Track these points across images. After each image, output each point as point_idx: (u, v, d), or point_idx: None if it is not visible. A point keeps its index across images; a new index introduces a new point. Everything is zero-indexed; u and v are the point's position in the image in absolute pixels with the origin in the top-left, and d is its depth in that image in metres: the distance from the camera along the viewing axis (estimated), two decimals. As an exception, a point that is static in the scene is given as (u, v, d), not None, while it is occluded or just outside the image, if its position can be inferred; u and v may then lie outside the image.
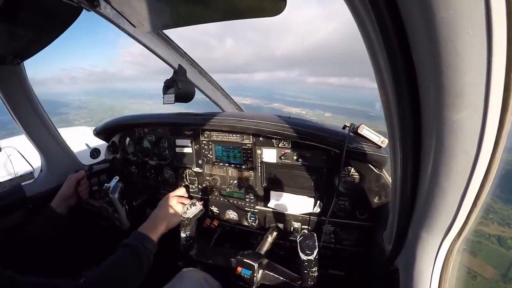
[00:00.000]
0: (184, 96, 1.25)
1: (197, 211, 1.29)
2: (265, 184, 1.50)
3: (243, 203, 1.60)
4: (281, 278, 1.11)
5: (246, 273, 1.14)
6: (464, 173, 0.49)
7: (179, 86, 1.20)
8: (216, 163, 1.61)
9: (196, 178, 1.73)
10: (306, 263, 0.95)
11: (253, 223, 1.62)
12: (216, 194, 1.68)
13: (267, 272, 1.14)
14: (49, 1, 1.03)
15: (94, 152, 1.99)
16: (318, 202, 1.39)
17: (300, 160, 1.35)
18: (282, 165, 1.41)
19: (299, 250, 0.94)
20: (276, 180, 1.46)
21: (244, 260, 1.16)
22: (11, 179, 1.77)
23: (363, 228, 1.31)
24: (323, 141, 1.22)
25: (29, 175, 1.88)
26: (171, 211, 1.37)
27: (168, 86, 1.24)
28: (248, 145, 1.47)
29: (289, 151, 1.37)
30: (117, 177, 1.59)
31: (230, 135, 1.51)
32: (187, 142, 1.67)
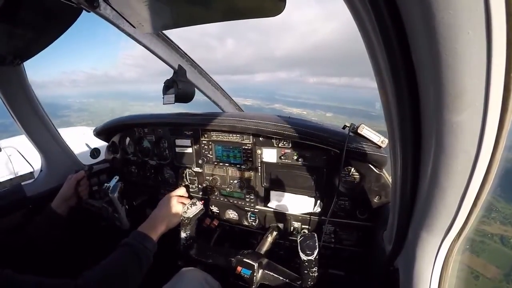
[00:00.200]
0: (184, 96, 1.25)
1: (197, 211, 1.29)
2: (265, 184, 1.50)
3: (243, 203, 1.60)
4: (281, 278, 1.11)
5: (246, 273, 1.14)
6: (464, 173, 0.49)
7: (179, 86, 1.20)
8: (216, 163, 1.61)
9: (196, 178, 1.73)
10: (306, 263, 0.95)
11: (253, 223, 1.62)
12: (216, 194, 1.68)
13: (267, 272, 1.14)
14: (49, 1, 1.03)
15: (94, 152, 1.99)
16: (318, 202, 1.40)
17: (300, 160, 1.35)
18: (282, 165, 1.41)
19: (299, 250, 0.94)
20: (276, 180, 1.46)
21: (244, 259, 1.16)
22: (11, 179, 1.77)
23: (363, 228, 1.31)
24: (323, 141, 1.22)
25: (29, 175, 1.89)
26: (171, 211, 1.37)
27: (168, 86, 1.24)
28: (248, 145, 1.47)
29: (289, 151, 1.37)
30: (117, 177, 1.58)
31: (230, 135, 1.51)
32: (187, 142, 1.67)
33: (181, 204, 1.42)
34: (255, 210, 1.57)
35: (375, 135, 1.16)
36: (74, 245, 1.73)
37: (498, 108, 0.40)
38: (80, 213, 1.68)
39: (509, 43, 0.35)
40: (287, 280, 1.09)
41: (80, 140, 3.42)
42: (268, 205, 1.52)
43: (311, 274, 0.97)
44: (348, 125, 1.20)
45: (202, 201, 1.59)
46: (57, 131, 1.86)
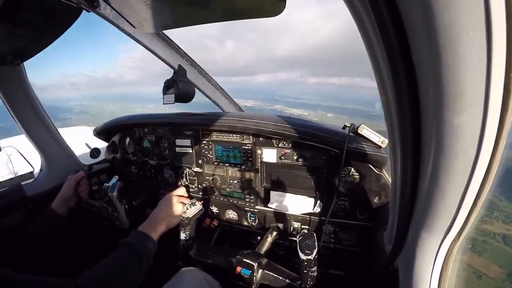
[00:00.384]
0: (184, 96, 1.25)
1: (196, 211, 1.29)
2: (265, 184, 1.50)
3: (243, 203, 1.60)
4: (281, 278, 1.11)
5: (246, 273, 1.14)
6: (464, 173, 0.49)
7: (179, 86, 1.21)
8: (216, 163, 1.61)
9: (196, 178, 1.73)
10: (305, 263, 0.95)
11: (253, 223, 1.62)
12: (216, 194, 1.68)
13: (266, 272, 1.14)
14: (49, 1, 1.03)
15: (94, 152, 1.99)
16: (318, 202, 1.39)
17: (300, 160, 1.35)
18: (282, 165, 1.41)
19: (298, 250, 0.94)
20: (276, 180, 1.46)
21: (244, 259, 1.16)
22: (11, 179, 1.77)
23: (363, 228, 1.31)
24: (323, 141, 1.23)
25: (29, 174, 1.88)
26: (171, 211, 1.37)
27: (168, 86, 1.24)
28: (248, 145, 1.47)
29: (289, 151, 1.37)
30: (116, 177, 1.59)
31: (230, 135, 1.51)
32: (187, 142, 1.67)
33: (181, 204, 1.42)
34: (255, 210, 1.57)
35: (375, 135, 1.16)
36: (74, 245, 1.73)
37: (498, 108, 0.40)
38: (80, 213, 1.68)
39: (509, 43, 0.35)
40: (287, 280, 1.09)
41: (80, 140, 3.42)
42: (268, 205, 1.52)
43: (310, 274, 0.97)
44: (348, 125, 1.20)
45: (202, 202, 1.60)
46: (57, 131, 1.86)
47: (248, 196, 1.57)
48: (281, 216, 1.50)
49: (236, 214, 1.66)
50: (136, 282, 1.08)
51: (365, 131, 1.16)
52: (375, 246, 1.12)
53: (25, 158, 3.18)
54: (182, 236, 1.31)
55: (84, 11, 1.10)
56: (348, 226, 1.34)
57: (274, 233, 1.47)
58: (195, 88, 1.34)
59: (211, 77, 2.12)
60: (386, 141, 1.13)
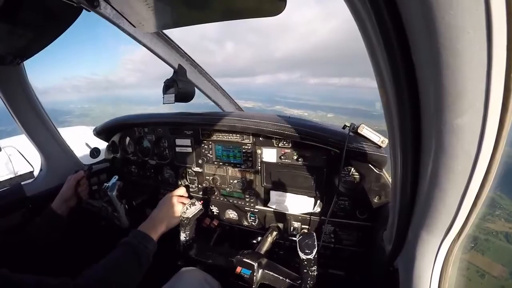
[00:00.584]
0: (184, 96, 1.25)
1: (196, 211, 1.29)
2: (265, 183, 1.50)
3: (243, 203, 1.60)
4: (281, 277, 1.11)
5: (246, 273, 1.14)
6: (464, 173, 0.49)
7: (179, 86, 1.20)
8: (216, 163, 1.61)
9: (196, 178, 1.73)
10: (305, 262, 0.95)
11: (253, 223, 1.62)
12: (216, 193, 1.68)
13: (266, 271, 1.14)
14: (49, 1, 1.03)
15: (94, 152, 1.98)
16: (318, 202, 1.39)
17: (300, 160, 1.35)
18: (282, 165, 1.41)
19: (298, 250, 0.94)
20: (276, 180, 1.46)
21: (244, 259, 1.16)
22: (10, 179, 1.77)
23: (363, 228, 1.31)
24: (323, 141, 1.22)
25: (29, 174, 1.88)
26: (171, 210, 1.37)
27: (168, 86, 1.24)
28: (248, 145, 1.47)
29: (289, 151, 1.37)
30: (116, 176, 1.59)
31: (230, 134, 1.51)
32: (187, 141, 1.67)
33: (181, 204, 1.42)
34: (255, 210, 1.57)
35: (375, 135, 1.16)
36: (74, 245, 1.73)
37: (498, 108, 0.40)
38: (80, 213, 1.68)
39: (510, 43, 0.35)
40: (287, 280, 1.09)
41: (80, 139, 3.42)
42: (268, 205, 1.52)
43: (310, 273, 0.97)
44: (348, 125, 1.20)
45: (201, 201, 1.60)
46: (57, 130, 1.86)
47: (248, 196, 1.57)
48: (281, 216, 1.50)
49: (236, 214, 1.66)
50: (135, 282, 1.08)
51: (365, 130, 1.16)
52: (375, 246, 1.12)
53: (25, 158, 3.18)
54: (182, 236, 1.31)
55: (84, 11, 1.10)
56: (348, 226, 1.34)
57: (274, 233, 1.47)
58: (195, 88, 1.34)
59: (211, 77, 2.12)
60: (386, 141, 1.13)
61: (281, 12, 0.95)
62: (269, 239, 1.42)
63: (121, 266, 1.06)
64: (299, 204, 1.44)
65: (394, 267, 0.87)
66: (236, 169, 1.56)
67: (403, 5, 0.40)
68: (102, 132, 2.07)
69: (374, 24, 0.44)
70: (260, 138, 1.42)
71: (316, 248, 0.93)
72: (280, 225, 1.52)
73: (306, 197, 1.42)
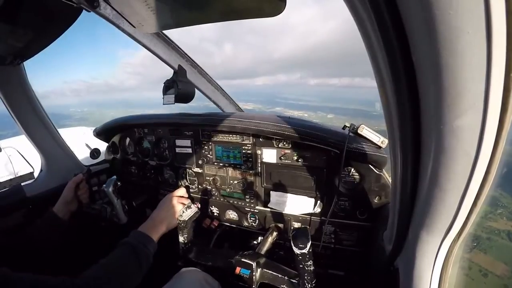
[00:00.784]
0: (184, 96, 1.25)
1: (192, 214, 1.30)
2: (265, 184, 1.50)
3: (243, 204, 1.60)
4: (280, 275, 1.11)
5: (245, 273, 1.14)
6: (464, 173, 0.49)
7: (179, 86, 1.21)
8: (216, 164, 1.61)
9: (196, 179, 1.73)
10: (300, 257, 0.95)
11: (253, 224, 1.62)
12: (216, 194, 1.68)
13: (265, 270, 1.14)
14: (49, 1, 1.03)
15: (94, 153, 1.99)
16: (318, 202, 1.39)
17: (300, 160, 1.35)
18: (282, 166, 1.41)
19: (292, 245, 0.94)
20: (276, 181, 1.46)
21: (242, 259, 1.17)
22: (11, 179, 1.77)
23: (363, 228, 1.31)
24: (323, 142, 1.23)
25: (29, 175, 1.88)
26: (171, 211, 1.37)
27: (168, 86, 1.24)
28: (248, 145, 1.47)
29: (289, 151, 1.37)
30: (115, 177, 1.60)
31: (230, 135, 1.51)
32: (187, 142, 1.67)
33: (181, 205, 1.42)
34: (255, 210, 1.57)
35: (375, 135, 1.16)
36: (75, 246, 1.73)
37: (498, 108, 0.40)
38: (81, 216, 1.68)
39: (509, 43, 0.35)
40: (285, 277, 1.10)
41: (80, 140, 3.42)
42: (268, 205, 1.52)
43: (306, 268, 0.97)
44: (348, 126, 1.20)
45: (197, 204, 1.59)
46: (57, 131, 1.86)
47: (248, 197, 1.57)
48: (281, 217, 1.50)
49: (236, 215, 1.66)
50: (135, 282, 1.08)
51: (365, 131, 1.16)
52: (375, 246, 1.12)
53: (25, 159, 3.18)
54: (181, 239, 1.32)
55: (84, 11, 1.11)
56: (348, 226, 1.34)
57: (275, 234, 1.47)
58: (195, 89, 1.34)
59: (211, 77, 2.12)
60: (386, 141, 1.13)
61: (281, 12, 0.95)
62: (269, 240, 1.42)
63: (121, 267, 1.06)
64: (299, 205, 1.44)
65: (394, 267, 0.87)
66: (236, 170, 1.56)
67: (403, 5, 0.40)
68: (102, 133, 2.07)
69: (374, 24, 0.44)
70: (260, 139, 1.43)
71: (310, 242, 0.93)
72: (280, 225, 1.52)
73: (306, 197, 1.42)
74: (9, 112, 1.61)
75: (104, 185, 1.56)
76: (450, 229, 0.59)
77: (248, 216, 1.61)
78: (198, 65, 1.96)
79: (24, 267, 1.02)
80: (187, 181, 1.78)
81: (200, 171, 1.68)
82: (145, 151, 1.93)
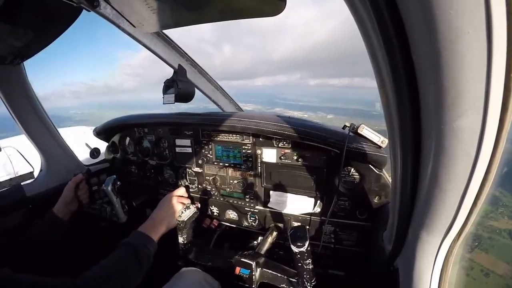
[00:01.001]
0: (184, 96, 1.25)
1: (191, 214, 1.30)
2: (265, 184, 1.50)
3: (243, 203, 1.60)
4: (279, 274, 1.12)
5: (245, 273, 1.14)
6: (464, 173, 0.49)
7: (179, 86, 1.21)
8: (216, 163, 1.61)
9: (196, 178, 1.73)
10: (298, 255, 0.95)
11: (253, 223, 1.62)
12: (216, 194, 1.68)
13: (265, 270, 1.15)
14: (49, 1, 1.03)
15: (94, 152, 1.98)
16: (318, 202, 1.39)
17: (300, 160, 1.35)
18: (282, 165, 1.41)
19: (290, 243, 0.94)
20: (276, 180, 1.46)
21: (242, 259, 1.17)
22: (11, 179, 1.77)
23: (363, 228, 1.31)
24: (323, 141, 1.22)
25: (29, 175, 1.88)
26: (171, 211, 1.37)
27: (168, 86, 1.24)
28: (248, 145, 1.47)
29: (289, 151, 1.37)
30: (114, 176, 1.60)
31: (230, 135, 1.51)
32: (187, 142, 1.67)
33: (181, 204, 1.42)
34: (255, 210, 1.57)
35: (375, 135, 1.16)
36: (75, 247, 1.73)
37: (498, 108, 0.40)
38: (81, 216, 1.68)
39: (510, 43, 0.35)
40: (285, 277, 1.10)
41: (80, 139, 3.42)
42: (268, 205, 1.52)
43: (305, 267, 0.97)
44: (348, 125, 1.20)
45: (196, 204, 1.59)
46: (57, 130, 1.86)
47: (248, 196, 1.57)
48: (281, 216, 1.50)
49: (236, 215, 1.66)
50: (135, 283, 1.08)
51: (365, 131, 1.16)
52: (375, 246, 1.12)
53: (25, 158, 3.18)
54: (180, 239, 1.32)
55: (84, 11, 1.10)
56: (348, 226, 1.34)
57: (274, 233, 1.47)
58: (195, 88, 1.34)
59: (211, 77, 2.12)
60: (386, 141, 1.13)
61: (281, 12, 0.95)
62: (269, 240, 1.42)
63: (122, 267, 1.06)
64: (299, 205, 1.44)
65: (394, 267, 0.87)
66: (236, 170, 1.56)
67: (403, 4, 0.40)
68: (102, 133, 2.07)
69: (374, 23, 0.44)
70: (260, 139, 1.42)
71: (308, 240, 0.93)
72: (280, 225, 1.52)
73: (306, 197, 1.42)
74: (9, 112, 1.61)
75: (104, 184, 1.56)
76: (450, 229, 0.59)
77: (248, 216, 1.61)
78: (198, 65, 1.96)
79: (24, 267, 1.02)
80: (187, 181, 1.78)
81: (200, 170, 1.68)
82: (145, 150, 1.93)
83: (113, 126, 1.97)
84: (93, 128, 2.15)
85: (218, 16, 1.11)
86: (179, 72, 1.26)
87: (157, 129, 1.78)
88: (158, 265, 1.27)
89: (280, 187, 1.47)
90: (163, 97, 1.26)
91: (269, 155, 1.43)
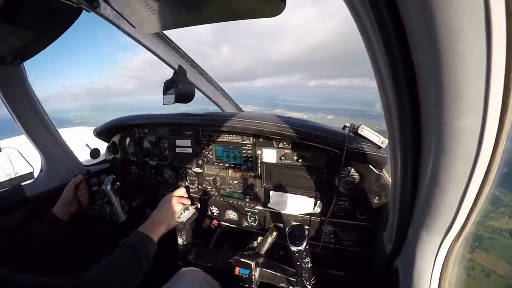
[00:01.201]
0: (184, 96, 1.25)
1: (190, 215, 1.30)
2: (265, 184, 1.50)
3: (243, 204, 1.60)
4: (279, 274, 1.12)
5: (244, 273, 1.14)
6: (464, 173, 0.49)
7: (179, 86, 1.21)
8: (216, 164, 1.61)
9: (196, 179, 1.73)
10: (297, 254, 0.95)
11: (253, 224, 1.62)
12: (216, 194, 1.68)
13: (264, 269, 1.15)
14: (49, 1, 1.03)
15: (94, 152, 1.99)
16: (318, 202, 1.39)
17: (300, 160, 1.35)
18: (282, 166, 1.41)
19: (288, 242, 0.94)
20: (276, 181, 1.46)
21: (241, 259, 1.17)
22: (11, 179, 1.77)
23: (363, 228, 1.30)
24: (323, 142, 1.22)
25: (29, 175, 1.88)
26: (171, 211, 1.37)
27: (168, 86, 1.24)
28: (248, 145, 1.47)
29: (289, 151, 1.37)
30: (113, 175, 1.60)
31: (230, 135, 1.51)
32: (187, 142, 1.67)
33: (181, 205, 1.42)
34: (255, 210, 1.57)
35: (375, 136, 1.16)
36: (75, 247, 1.73)
37: (498, 108, 0.40)
38: (81, 216, 1.68)
39: (509, 43, 0.35)
40: (284, 276, 1.10)
41: (80, 140, 3.42)
42: (268, 205, 1.52)
43: (304, 266, 0.97)
44: (348, 126, 1.20)
45: (197, 204, 1.60)
46: (57, 131, 1.86)
47: (248, 197, 1.57)
48: (281, 217, 1.50)
49: (236, 215, 1.66)
50: (135, 283, 1.08)
51: (365, 131, 1.16)
52: (375, 246, 1.12)
53: (25, 159, 3.18)
54: (180, 240, 1.32)
55: (84, 12, 1.11)
56: (348, 226, 1.34)
57: (274, 234, 1.47)
58: (195, 89, 1.34)
59: (211, 78, 2.12)
60: (386, 141, 1.13)
61: (280, 12, 0.95)
62: (269, 240, 1.42)
63: (122, 267, 1.06)
64: (299, 205, 1.44)
65: (394, 267, 0.87)
66: (236, 170, 1.56)
67: (403, 5, 0.40)
68: (102, 133, 2.07)
69: (374, 24, 0.44)
70: (260, 139, 1.42)
71: (306, 239, 0.93)
72: (280, 225, 1.52)
73: (306, 197, 1.42)
74: (9, 112, 1.61)
75: (103, 184, 1.57)
76: (450, 229, 0.59)
77: (248, 216, 1.61)
78: (198, 65, 1.96)
79: (24, 268, 1.02)
80: (187, 181, 1.78)
81: (200, 171, 1.68)
82: (145, 151, 1.93)
83: (113, 127, 1.97)
84: (93, 128, 2.15)
85: (218, 16, 1.11)
86: (179, 73, 1.26)
87: (157, 129, 1.78)
88: (158, 265, 1.27)
89: (280, 188, 1.47)
90: (163, 98, 1.26)
91: (269, 155, 1.43)
